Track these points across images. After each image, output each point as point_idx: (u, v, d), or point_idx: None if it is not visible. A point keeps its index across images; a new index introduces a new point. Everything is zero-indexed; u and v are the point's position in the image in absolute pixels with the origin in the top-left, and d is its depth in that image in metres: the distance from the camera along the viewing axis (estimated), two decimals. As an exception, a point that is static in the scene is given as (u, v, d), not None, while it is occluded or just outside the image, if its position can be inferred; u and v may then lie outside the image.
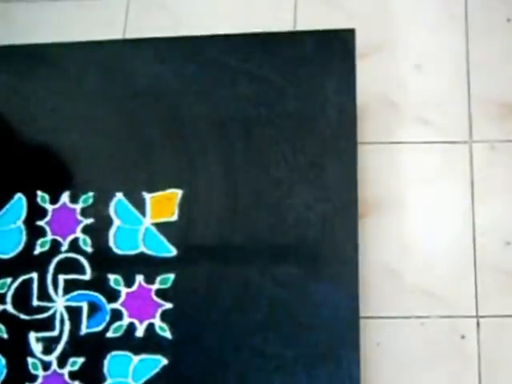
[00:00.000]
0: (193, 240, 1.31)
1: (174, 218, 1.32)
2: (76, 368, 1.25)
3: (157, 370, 1.24)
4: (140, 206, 1.33)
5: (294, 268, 1.28)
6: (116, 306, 1.28)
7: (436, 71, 1.70)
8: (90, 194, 1.35)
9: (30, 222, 1.34)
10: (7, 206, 1.35)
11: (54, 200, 1.35)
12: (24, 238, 1.33)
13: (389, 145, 1.64)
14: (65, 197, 1.35)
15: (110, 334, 1.26)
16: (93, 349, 1.26)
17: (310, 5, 1.78)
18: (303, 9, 1.77)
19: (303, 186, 1.32)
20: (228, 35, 1.45)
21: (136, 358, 1.24)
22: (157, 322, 1.26)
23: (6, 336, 1.27)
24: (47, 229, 1.33)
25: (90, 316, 1.27)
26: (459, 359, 1.48)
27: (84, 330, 1.26)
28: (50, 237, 1.33)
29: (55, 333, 1.27)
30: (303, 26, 1.74)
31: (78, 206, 1.35)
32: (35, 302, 1.29)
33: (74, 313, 1.28)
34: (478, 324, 1.50)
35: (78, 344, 1.25)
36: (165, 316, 1.26)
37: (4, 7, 1.85)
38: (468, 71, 1.68)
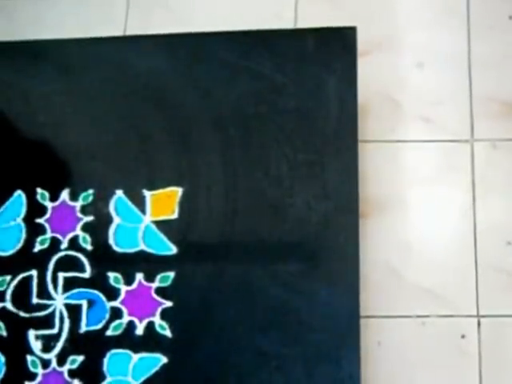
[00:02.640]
0: (193, 238, 1.31)
1: (175, 215, 1.32)
2: (75, 366, 1.25)
3: (156, 369, 1.23)
4: (140, 203, 1.33)
5: (295, 267, 1.27)
6: (116, 304, 1.27)
7: (437, 69, 1.70)
8: (90, 191, 1.35)
9: (29, 220, 1.34)
10: (7, 204, 1.35)
11: (53, 197, 1.35)
12: (23, 235, 1.33)
13: (390, 143, 1.64)
14: (64, 194, 1.35)
15: (109, 332, 1.26)
16: (92, 347, 1.25)
17: (311, 2, 1.78)
18: (304, 6, 1.77)
19: (304, 184, 1.32)
20: (229, 32, 1.45)
21: (136, 357, 1.24)
22: (157, 320, 1.26)
23: (5, 333, 1.27)
24: (47, 226, 1.33)
25: (89, 314, 1.27)
26: (460, 359, 1.48)
27: (83, 328, 1.26)
28: (49, 234, 1.33)
29: (55, 330, 1.27)
30: (304, 23, 1.74)
31: (78, 204, 1.34)
32: (35, 300, 1.29)
33: (73, 311, 1.28)
34: (478, 323, 1.50)
35: (77, 342, 1.25)
36: (165, 314, 1.26)
37: (5, 3, 1.85)
38: (470, 69, 1.68)
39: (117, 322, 1.27)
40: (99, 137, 1.39)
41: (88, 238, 1.32)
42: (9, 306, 1.29)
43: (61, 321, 1.27)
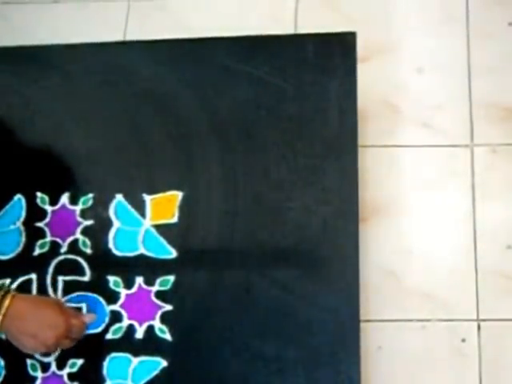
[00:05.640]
0: (193, 242, 1.31)
1: (174, 219, 1.32)
2: (75, 369, 1.25)
3: (156, 372, 1.23)
4: (140, 207, 1.33)
5: (295, 271, 1.27)
6: (115, 307, 1.27)
7: (437, 75, 1.71)
8: (90, 195, 1.35)
9: (29, 223, 1.34)
10: (7, 207, 1.35)
11: (53, 201, 1.35)
12: (23, 239, 1.33)
13: (390, 148, 1.65)
14: (64, 198, 1.35)
15: (109, 336, 1.26)
16: (92, 350, 1.25)
17: (310, 8, 1.79)
18: (304, 12, 1.78)
19: (304, 188, 1.32)
20: (229, 38, 1.45)
21: (136, 360, 1.24)
22: (156, 323, 1.26)
23: (4, 337, 1.27)
24: (46, 230, 1.33)
25: (89, 317, 1.27)
26: (460, 362, 1.48)
27: (83, 332, 1.26)
28: (49, 238, 1.32)
29: (54, 334, 1.26)
30: (304, 28, 1.74)
31: (78, 208, 1.34)
32: (34, 304, 1.29)
33: (73, 314, 1.27)
34: (478, 327, 1.50)
35: (77, 345, 1.25)
36: (164, 318, 1.26)
37: (6, 9, 1.86)
38: (469, 75, 1.68)
39: (117, 325, 1.26)
40: (99, 141, 1.39)
41: (88, 242, 1.32)
42: (8, 309, 1.28)
43: (60, 324, 1.27)
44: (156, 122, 1.40)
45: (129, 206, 1.33)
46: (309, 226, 1.29)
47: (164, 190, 1.34)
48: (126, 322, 1.26)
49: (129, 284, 1.28)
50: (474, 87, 1.67)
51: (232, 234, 1.31)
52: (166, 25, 1.80)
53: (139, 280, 1.28)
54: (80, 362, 1.25)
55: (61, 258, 1.31)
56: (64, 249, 1.32)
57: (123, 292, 1.28)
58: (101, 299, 1.28)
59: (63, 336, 1.18)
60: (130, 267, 1.30)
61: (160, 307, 1.26)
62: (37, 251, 1.32)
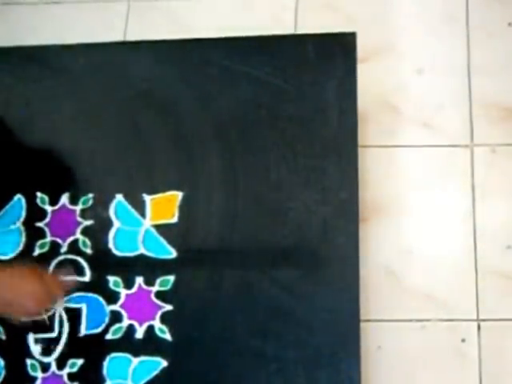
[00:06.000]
0: (193, 242, 1.31)
1: (174, 219, 1.32)
2: (75, 369, 1.25)
3: (156, 372, 1.23)
4: (140, 207, 1.33)
5: (295, 271, 1.27)
6: (115, 307, 1.27)
7: (437, 75, 1.70)
8: (90, 195, 1.35)
9: (29, 223, 1.34)
10: (7, 207, 1.35)
11: (53, 201, 1.35)
12: (23, 239, 1.33)
13: (389, 148, 1.65)
14: (64, 198, 1.35)
15: (109, 336, 1.26)
16: (92, 350, 1.25)
17: (310, 8, 1.79)
18: (304, 12, 1.78)
19: (304, 188, 1.32)
20: (229, 38, 1.45)
21: (136, 360, 1.24)
22: (156, 323, 1.26)
23: (4, 337, 1.27)
24: (46, 230, 1.33)
25: (89, 317, 1.27)
26: (460, 362, 1.48)
27: (83, 332, 1.26)
28: (49, 238, 1.33)
29: (54, 334, 1.26)
30: (304, 28, 1.75)
31: (78, 208, 1.34)
32: (34, 303, 1.29)
33: (73, 314, 1.28)
34: (478, 327, 1.50)
35: (77, 345, 1.25)
36: (165, 318, 1.26)
37: (6, 9, 1.86)
38: (469, 75, 1.68)
39: (117, 325, 1.26)
40: (99, 141, 1.40)
41: (88, 242, 1.32)
42: (8, 309, 1.28)
43: (60, 324, 1.27)
44: (156, 122, 1.40)
45: (129, 206, 1.33)
46: (309, 226, 1.29)
47: (164, 190, 1.34)
48: (125, 322, 1.26)
49: (129, 284, 1.28)
50: (473, 87, 1.67)
51: (232, 233, 1.31)
52: (166, 25, 1.80)
53: (139, 280, 1.28)
54: (80, 361, 1.25)
55: (61, 257, 1.31)
56: (64, 249, 1.32)
57: (123, 292, 1.28)
58: (101, 299, 1.28)
59: (43, 298, 1.17)
60: (129, 267, 1.30)
61: (160, 307, 1.26)
62: (37, 251, 1.32)
